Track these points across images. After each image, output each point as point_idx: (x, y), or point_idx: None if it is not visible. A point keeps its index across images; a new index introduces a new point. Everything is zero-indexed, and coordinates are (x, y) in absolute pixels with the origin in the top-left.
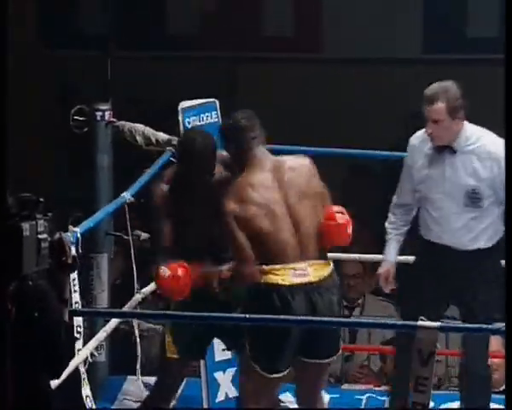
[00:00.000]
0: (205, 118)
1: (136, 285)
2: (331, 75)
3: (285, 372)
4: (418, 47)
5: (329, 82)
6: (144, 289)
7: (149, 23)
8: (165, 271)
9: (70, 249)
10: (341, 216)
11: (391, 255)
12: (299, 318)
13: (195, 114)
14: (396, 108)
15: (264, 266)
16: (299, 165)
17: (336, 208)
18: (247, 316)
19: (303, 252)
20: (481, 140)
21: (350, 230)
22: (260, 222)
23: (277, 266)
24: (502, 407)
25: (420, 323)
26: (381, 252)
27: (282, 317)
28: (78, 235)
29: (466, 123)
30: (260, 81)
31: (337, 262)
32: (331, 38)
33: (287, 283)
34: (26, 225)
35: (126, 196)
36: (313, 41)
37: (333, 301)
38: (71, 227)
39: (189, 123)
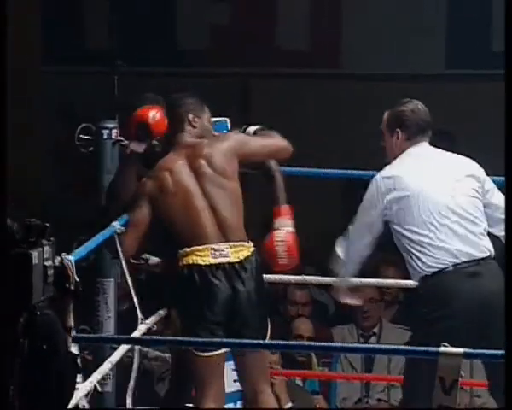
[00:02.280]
0: None
1: (139, 315)
2: (348, 91)
3: (217, 352)
4: (441, 63)
5: (346, 98)
6: (150, 320)
7: (159, 38)
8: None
9: (73, 275)
10: (281, 243)
11: None
12: (317, 344)
13: None
14: None
15: (187, 249)
16: (215, 150)
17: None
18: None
19: (223, 234)
20: None
21: (294, 252)
22: (176, 208)
23: (199, 247)
24: None
25: (443, 349)
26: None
27: (307, 343)
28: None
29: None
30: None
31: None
32: (349, 52)
33: (207, 262)
34: (34, 253)
35: (116, 225)
36: (330, 56)
37: (252, 283)
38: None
39: None
